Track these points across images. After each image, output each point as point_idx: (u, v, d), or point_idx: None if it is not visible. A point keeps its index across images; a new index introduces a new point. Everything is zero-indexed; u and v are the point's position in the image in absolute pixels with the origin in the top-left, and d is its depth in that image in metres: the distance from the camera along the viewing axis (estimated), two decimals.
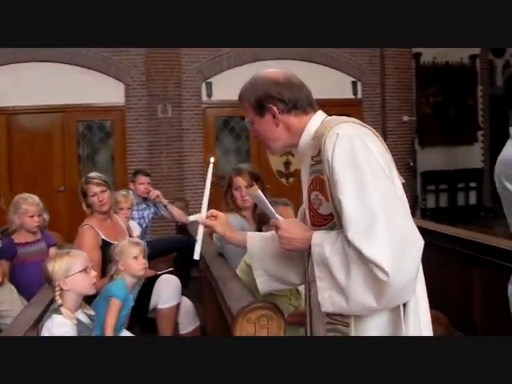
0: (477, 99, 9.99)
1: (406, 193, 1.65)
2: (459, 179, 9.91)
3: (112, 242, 3.20)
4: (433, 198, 9.67)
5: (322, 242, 1.56)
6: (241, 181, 3.29)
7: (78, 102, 7.83)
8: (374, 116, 8.98)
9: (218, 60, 8.31)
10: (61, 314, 2.27)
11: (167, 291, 3.38)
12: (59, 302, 2.30)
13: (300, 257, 1.89)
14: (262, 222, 3.01)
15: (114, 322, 2.73)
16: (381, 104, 9.27)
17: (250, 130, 1.84)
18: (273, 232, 2.03)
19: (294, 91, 1.72)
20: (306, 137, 1.71)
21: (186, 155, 8.28)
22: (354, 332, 1.56)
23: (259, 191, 1.75)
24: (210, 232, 2.17)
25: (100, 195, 3.45)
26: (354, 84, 9.14)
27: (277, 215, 1.75)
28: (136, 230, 4.32)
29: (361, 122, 1.67)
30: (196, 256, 2.09)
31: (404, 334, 1.53)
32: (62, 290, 2.31)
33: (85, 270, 2.37)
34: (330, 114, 1.79)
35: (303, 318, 2.65)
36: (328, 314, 1.60)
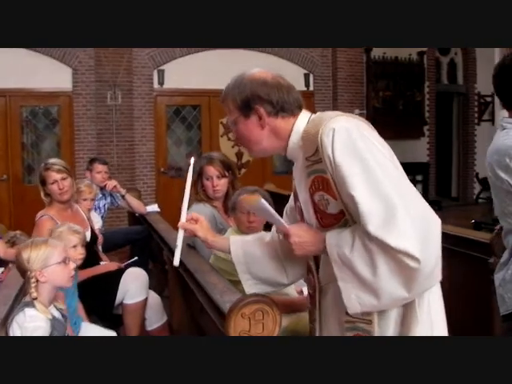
0: (424, 95, 10.26)
1: None
2: (406, 172, 9.92)
3: None
4: None
5: (340, 242, 1.49)
6: (212, 170, 3.17)
7: (22, 87, 7.43)
8: (325, 108, 8.98)
9: (171, 47, 8.08)
10: (33, 307, 2.09)
11: (134, 286, 3.21)
12: (34, 294, 2.11)
13: (288, 258, 1.84)
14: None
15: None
16: (332, 97, 9.35)
17: (233, 130, 1.74)
18: (256, 235, 2.01)
19: (282, 93, 1.64)
20: (295, 138, 1.65)
21: (137, 144, 8.05)
22: (377, 328, 1.52)
23: (263, 200, 1.63)
24: (189, 236, 2.03)
25: (60, 183, 3.25)
26: (306, 76, 9.17)
27: (284, 222, 1.65)
28: (98, 222, 4.12)
29: (350, 114, 1.62)
30: (176, 262, 1.95)
31: (419, 322, 1.50)
32: (37, 281, 2.13)
33: (64, 261, 2.19)
34: None
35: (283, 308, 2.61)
36: (347, 313, 1.53)
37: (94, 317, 3.17)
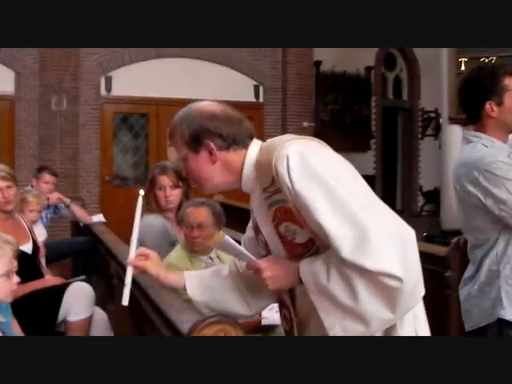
0: (371, 109, 10.46)
1: None
2: None
3: None
4: None
5: (314, 270, 1.40)
6: (166, 180, 3.05)
7: None
8: (275, 120, 9.03)
9: (120, 54, 7.90)
10: None
11: (79, 302, 3.00)
12: None
13: (250, 290, 1.76)
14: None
15: None
16: (281, 109, 9.34)
17: (183, 167, 1.66)
18: (211, 269, 1.93)
19: (233, 126, 1.57)
20: (248, 169, 1.57)
21: (81, 151, 7.78)
22: None
23: (227, 238, 1.54)
24: (140, 272, 1.88)
25: (5, 191, 3.04)
26: (257, 88, 9.14)
27: (252, 257, 1.56)
28: (43, 234, 3.90)
29: (302, 136, 1.57)
30: (125, 302, 1.79)
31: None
32: None
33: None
34: None
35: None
36: None
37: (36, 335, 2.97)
